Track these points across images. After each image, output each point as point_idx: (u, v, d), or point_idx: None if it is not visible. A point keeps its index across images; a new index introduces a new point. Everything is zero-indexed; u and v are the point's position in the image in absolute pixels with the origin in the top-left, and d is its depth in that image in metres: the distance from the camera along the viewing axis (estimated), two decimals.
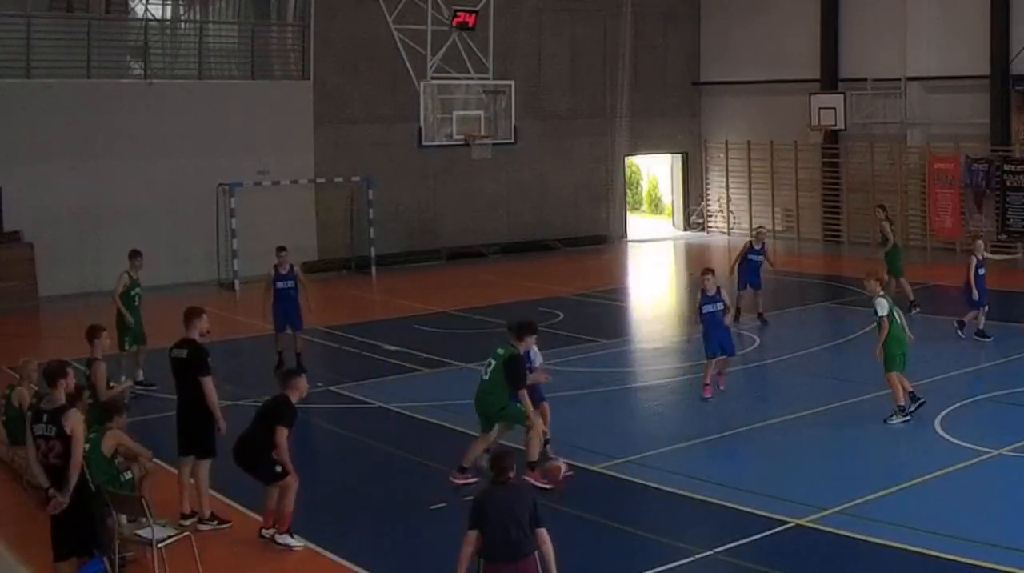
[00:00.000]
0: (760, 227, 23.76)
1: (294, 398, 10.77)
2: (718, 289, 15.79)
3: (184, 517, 11.16)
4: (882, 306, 14.36)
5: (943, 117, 29.07)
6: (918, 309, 20.61)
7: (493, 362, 12.16)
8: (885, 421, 14.11)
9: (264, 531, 10.91)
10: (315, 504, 11.99)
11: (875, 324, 14.57)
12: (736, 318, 19.72)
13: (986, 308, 18.78)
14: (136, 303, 16.85)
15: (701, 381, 15.66)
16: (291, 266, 18.13)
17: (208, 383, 11.02)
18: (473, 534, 8.08)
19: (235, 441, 10.89)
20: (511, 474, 8.32)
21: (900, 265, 21.66)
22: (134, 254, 17.25)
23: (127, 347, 16.62)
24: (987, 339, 18.59)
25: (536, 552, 8.08)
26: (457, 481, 12.18)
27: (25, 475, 11.74)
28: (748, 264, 21.10)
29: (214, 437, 11.15)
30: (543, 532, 8.14)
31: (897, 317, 14.50)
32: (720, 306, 15.66)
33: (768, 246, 21.82)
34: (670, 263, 31.87)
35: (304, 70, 28.75)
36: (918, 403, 14.24)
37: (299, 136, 28.41)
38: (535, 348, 12.81)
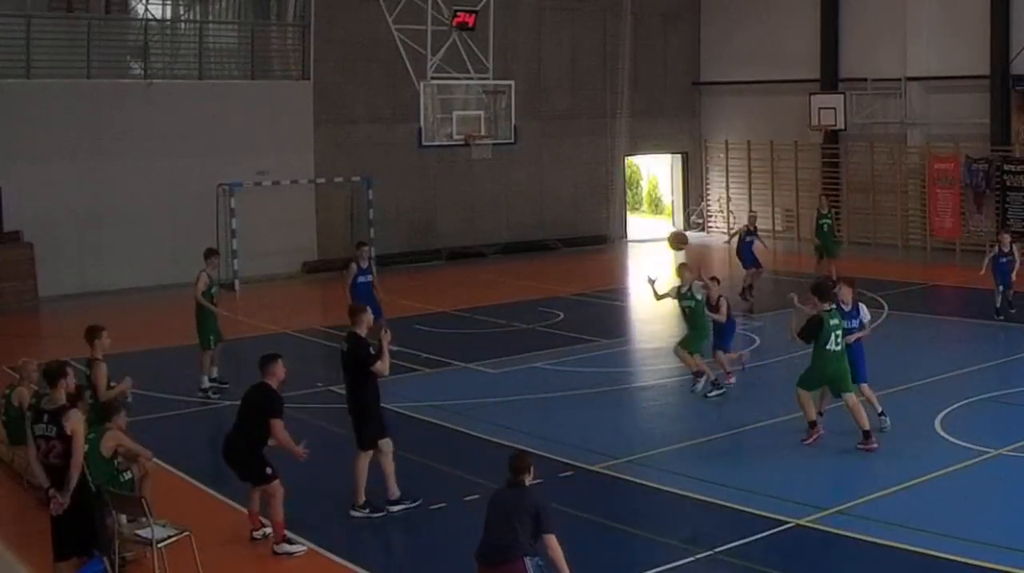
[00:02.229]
0: (754, 212, 26.61)
1: (274, 384, 10.75)
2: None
3: (391, 503, 11.46)
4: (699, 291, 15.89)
5: (943, 117, 29.08)
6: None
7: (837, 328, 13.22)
8: (704, 396, 15.66)
9: (255, 533, 10.94)
10: (314, 504, 12.01)
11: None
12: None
13: (1000, 289, 20.03)
14: (213, 301, 16.97)
15: None
16: (369, 260, 18.85)
17: (376, 372, 11.45)
18: None
19: (223, 440, 10.91)
20: (525, 477, 8.19)
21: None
22: (211, 253, 17.26)
23: (212, 346, 16.65)
24: (998, 318, 19.91)
25: (525, 557, 7.90)
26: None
27: (25, 475, 11.75)
28: (745, 246, 23.12)
29: (380, 427, 11.58)
30: (551, 538, 7.98)
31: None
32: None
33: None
34: (670, 263, 31.78)
35: (304, 70, 28.75)
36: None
37: (299, 136, 28.41)
38: (863, 307, 14.00)
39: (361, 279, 18.44)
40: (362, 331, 11.70)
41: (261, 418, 10.55)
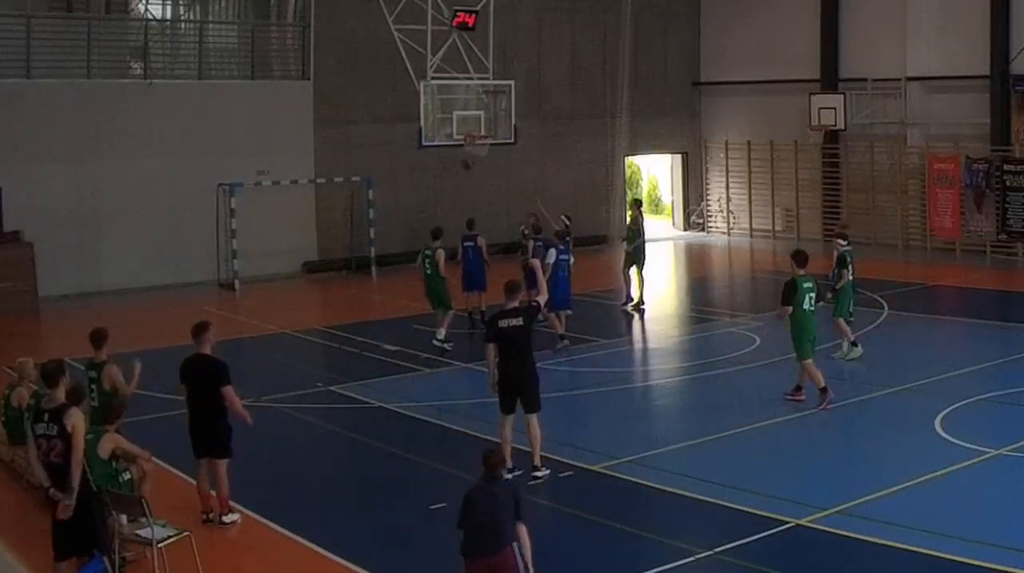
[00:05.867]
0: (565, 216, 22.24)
1: (209, 350, 11.34)
2: None
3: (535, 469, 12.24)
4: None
5: (943, 117, 29.07)
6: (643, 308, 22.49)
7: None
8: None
9: (210, 515, 11.27)
10: (315, 504, 12.02)
11: None
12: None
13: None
14: (429, 272, 19.39)
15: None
16: (476, 237, 21.39)
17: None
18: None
19: (190, 429, 11.31)
20: (501, 471, 8.64)
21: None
22: (441, 232, 19.76)
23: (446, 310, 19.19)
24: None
25: (515, 543, 8.30)
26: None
27: (25, 475, 11.75)
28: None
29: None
30: (523, 528, 8.40)
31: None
32: None
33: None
34: (670, 263, 31.84)
35: (304, 70, 28.74)
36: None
37: (299, 136, 28.40)
38: None
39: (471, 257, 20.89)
40: (518, 303, 12.55)
41: (214, 388, 11.04)
